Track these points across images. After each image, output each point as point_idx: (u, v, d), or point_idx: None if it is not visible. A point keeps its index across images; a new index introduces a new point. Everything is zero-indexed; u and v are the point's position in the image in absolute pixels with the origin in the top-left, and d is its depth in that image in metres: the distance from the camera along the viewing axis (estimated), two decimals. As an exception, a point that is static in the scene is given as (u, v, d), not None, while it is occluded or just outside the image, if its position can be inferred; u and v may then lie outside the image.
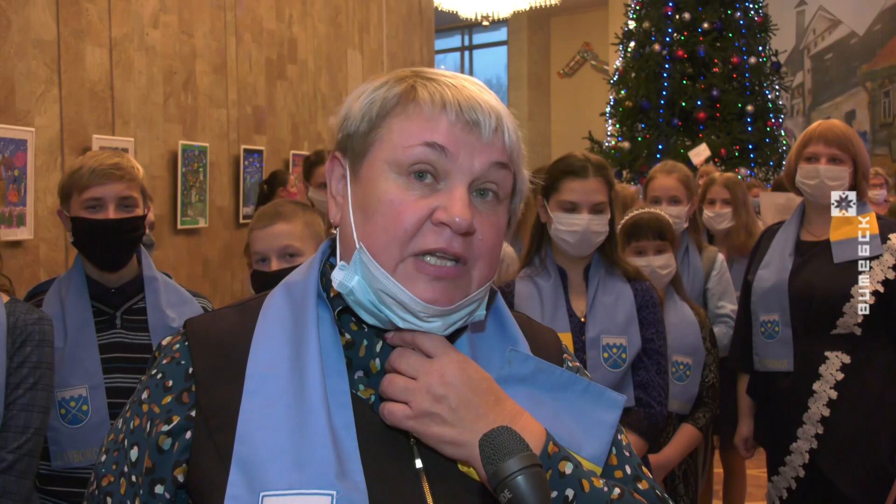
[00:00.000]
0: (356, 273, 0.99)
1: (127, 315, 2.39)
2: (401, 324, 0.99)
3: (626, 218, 3.01)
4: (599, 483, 1.00)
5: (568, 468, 0.98)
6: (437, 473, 0.99)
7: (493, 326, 1.11)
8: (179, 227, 5.29)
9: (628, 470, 1.09)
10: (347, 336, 1.04)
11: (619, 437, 1.11)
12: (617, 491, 1.01)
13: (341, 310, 1.04)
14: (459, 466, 0.99)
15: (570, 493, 0.97)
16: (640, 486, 1.08)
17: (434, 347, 1.00)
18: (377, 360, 1.03)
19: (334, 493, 0.91)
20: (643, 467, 1.12)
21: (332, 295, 1.05)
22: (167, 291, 2.43)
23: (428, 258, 0.97)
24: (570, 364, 1.16)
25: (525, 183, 1.07)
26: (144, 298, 2.40)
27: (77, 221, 2.31)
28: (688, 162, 6.82)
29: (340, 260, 1.04)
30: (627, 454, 1.11)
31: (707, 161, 7.35)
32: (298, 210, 2.33)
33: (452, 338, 1.06)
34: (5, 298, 2.02)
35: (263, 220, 2.30)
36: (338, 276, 1.01)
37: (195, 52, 5.32)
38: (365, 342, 1.03)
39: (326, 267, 1.08)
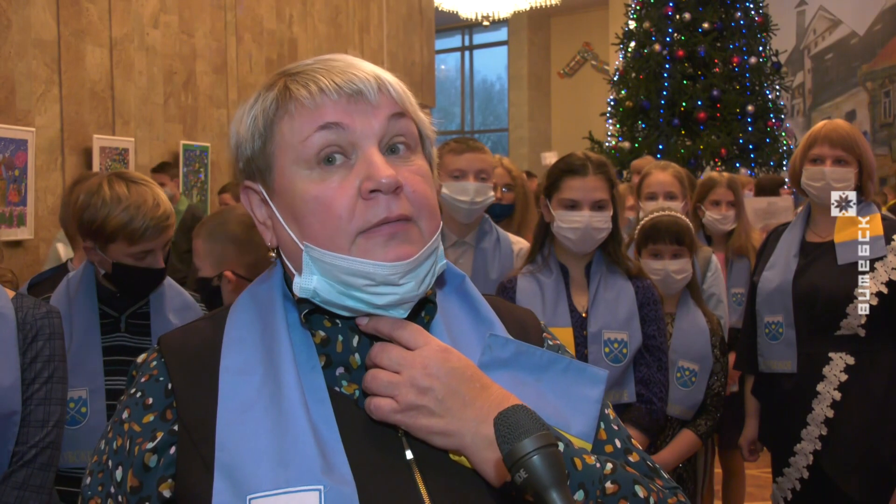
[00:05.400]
0: (313, 273, 0.99)
1: (132, 319, 2.40)
2: (378, 300, 0.98)
3: (646, 220, 3.00)
4: (591, 460, 1.00)
5: (559, 447, 0.97)
6: (428, 464, 0.98)
7: (466, 311, 1.11)
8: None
9: (618, 443, 1.09)
10: (322, 334, 1.03)
11: (605, 411, 1.11)
12: (609, 466, 1.01)
13: (311, 310, 1.03)
14: (451, 455, 0.98)
15: None
16: (630, 458, 1.09)
17: (413, 338, 0.99)
18: (356, 356, 1.03)
19: (322, 487, 0.90)
20: (632, 440, 1.13)
21: (297, 299, 1.04)
22: (172, 296, 2.45)
23: (376, 227, 0.98)
24: (550, 343, 1.16)
25: (427, 126, 1.07)
26: (149, 303, 2.42)
27: (121, 268, 2.30)
28: (685, 164, 6.84)
29: (294, 273, 1.03)
30: (616, 427, 1.11)
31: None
32: None
33: (427, 325, 1.06)
34: (11, 294, 2.01)
35: None
36: (297, 284, 1.00)
37: (195, 52, 5.30)
38: (340, 338, 1.03)
39: (288, 273, 1.07)
